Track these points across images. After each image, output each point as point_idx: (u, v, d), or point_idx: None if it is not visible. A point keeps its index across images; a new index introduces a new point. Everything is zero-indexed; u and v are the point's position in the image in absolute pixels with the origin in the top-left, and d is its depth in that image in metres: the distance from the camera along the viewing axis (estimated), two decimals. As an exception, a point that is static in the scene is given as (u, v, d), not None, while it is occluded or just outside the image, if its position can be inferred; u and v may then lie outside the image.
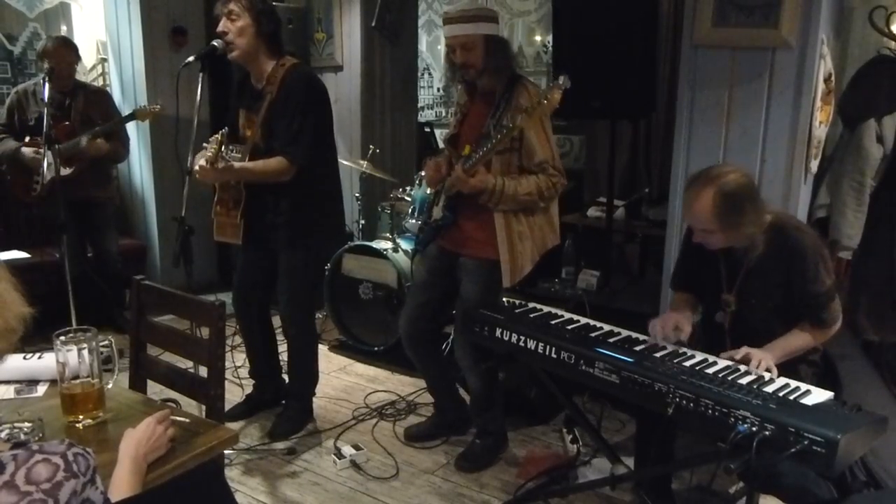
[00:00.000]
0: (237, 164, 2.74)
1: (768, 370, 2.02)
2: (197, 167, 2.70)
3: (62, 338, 1.64)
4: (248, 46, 2.75)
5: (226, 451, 2.58)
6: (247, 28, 2.73)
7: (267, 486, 2.79)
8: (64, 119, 3.80)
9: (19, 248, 4.07)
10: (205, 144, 2.74)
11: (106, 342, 1.80)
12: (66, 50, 3.79)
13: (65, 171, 3.61)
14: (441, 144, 5.71)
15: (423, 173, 2.90)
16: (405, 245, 3.90)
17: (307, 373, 3.22)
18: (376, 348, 3.97)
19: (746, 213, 2.08)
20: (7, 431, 1.53)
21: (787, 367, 2.12)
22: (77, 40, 4.81)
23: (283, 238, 2.93)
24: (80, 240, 4.02)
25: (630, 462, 2.50)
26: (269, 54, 2.82)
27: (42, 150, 3.47)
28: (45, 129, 3.34)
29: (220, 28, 2.74)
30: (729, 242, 2.16)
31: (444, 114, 6.73)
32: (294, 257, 2.97)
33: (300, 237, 2.93)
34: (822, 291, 2.15)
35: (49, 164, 3.48)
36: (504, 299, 2.67)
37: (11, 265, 1.34)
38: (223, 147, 2.66)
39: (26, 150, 3.78)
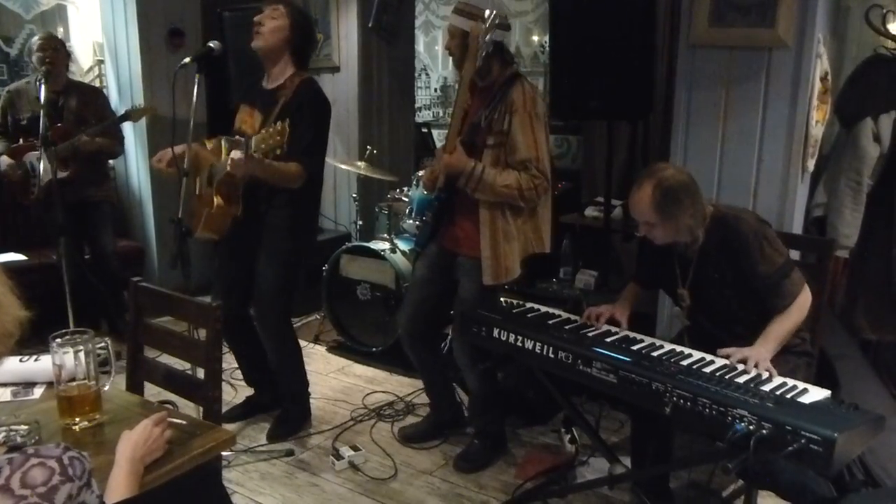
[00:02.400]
0: (266, 160, 2.67)
1: (767, 371, 2.02)
2: (234, 158, 2.68)
3: (58, 340, 1.63)
4: (273, 45, 2.80)
5: (224, 453, 2.58)
6: (281, 30, 2.79)
7: (265, 487, 2.78)
8: (57, 120, 3.73)
9: (16, 251, 4.05)
10: (222, 142, 2.75)
11: (102, 344, 1.80)
12: (54, 46, 3.72)
13: (61, 174, 3.59)
14: (439, 144, 5.70)
15: (420, 173, 2.90)
16: (403, 246, 3.89)
17: (295, 380, 3.21)
18: (374, 349, 3.97)
19: (684, 207, 2.17)
20: (3, 434, 1.53)
21: (775, 359, 2.13)
22: (73, 42, 4.82)
23: (263, 242, 2.92)
24: (78, 242, 3.95)
25: (628, 462, 2.50)
26: (291, 63, 2.86)
27: (39, 152, 3.45)
28: (41, 132, 3.33)
29: (257, 18, 2.80)
30: (670, 235, 2.23)
31: (441, 114, 6.72)
32: (271, 264, 2.94)
33: (278, 244, 2.91)
34: (773, 271, 2.18)
35: (46, 167, 3.45)
36: (502, 299, 2.67)
37: (8, 268, 1.34)
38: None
39: (3, 160, 3.76)
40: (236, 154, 2.68)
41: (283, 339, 3.10)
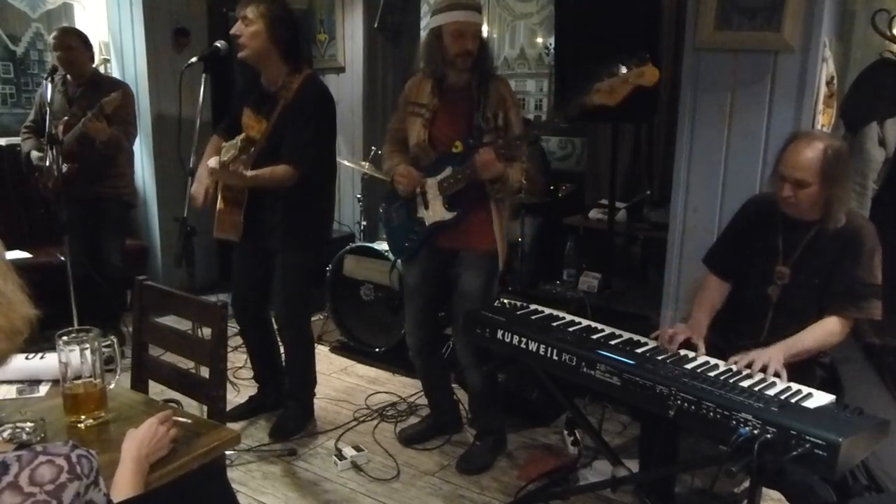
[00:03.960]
0: (249, 173, 2.76)
1: (776, 375, 2.02)
2: (210, 165, 2.74)
3: (64, 338, 1.64)
4: (258, 50, 2.76)
5: (227, 452, 2.58)
6: (259, 34, 2.74)
7: (268, 486, 2.79)
8: (66, 114, 3.65)
9: (21, 249, 4.04)
10: (223, 145, 2.77)
11: (108, 342, 1.80)
12: (67, 45, 3.66)
13: (65, 168, 3.56)
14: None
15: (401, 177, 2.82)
16: (407, 246, 3.89)
17: (305, 375, 3.22)
18: (377, 349, 3.97)
19: (844, 176, 2.17)
20: (9, 431, 1.54)
21: (804, 368, 2.13)
22: (79, 41, 4.81)
23: (280, 239, 2.94)
24: (84, 240, 3.84)
25: (631, 464, 2.50)
26: (284, 60, 2.82)
27: (45, 153, 3.45)
28: (47, 129, 3.33)
29: (233, 31, 2.77)
30: (814, 203, 2.18)
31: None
32: (290, 258, 2.98)
33: (296, 239, 2.94)
34: (868, 282, 2.18)
35: (52, 163, 3.44)
36: (505, 301, 2.67)
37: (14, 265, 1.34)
38: (244, 151, 2.71)
39: (34, 154, 3.74)
40: (212, 162, 2.75)
41: (300, 335, 3.14)
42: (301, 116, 2.79)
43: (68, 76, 3.69)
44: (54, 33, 3.75)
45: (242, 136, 2.74)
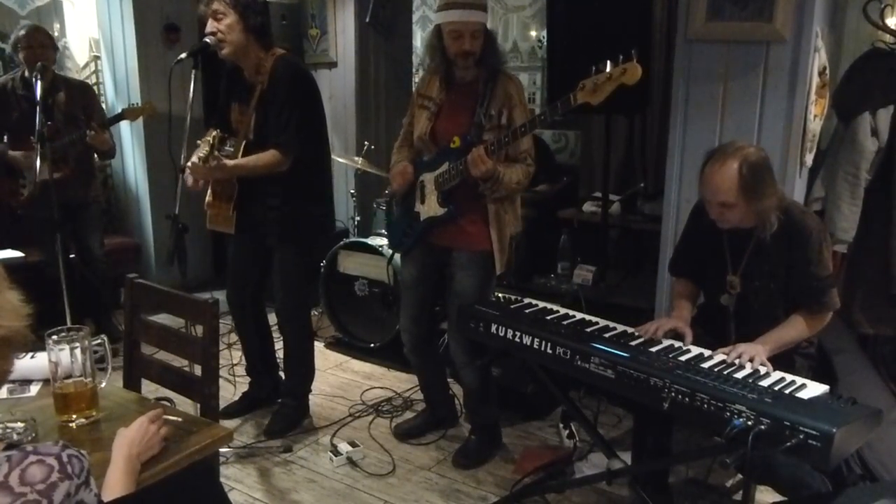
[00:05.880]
0: (230, 162, 2.74)
1: (763, 366, 2.02)
2: (189, 164, 2.71)
3: (54, 337, 1.63)
4: (238, 42, 2.74)
5: (222, 450, 2.58)
6: (234, 25, 2.71)
7: (263, 483, 2.78)
8: (47, 117, 3.51)
9: (12, 248, 4.00)
10: (198, 142, 2.75)
11: (99, 341, 1.79)
12: (41, 42, 3.59)
13: (55, 175, 3.52)
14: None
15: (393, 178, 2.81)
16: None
17: (304, 369, 3.22)
18: (372, 345, 3.97)
19: (767, 186, 2.12)
20: (0, 432, 1.53)
21: (783, 359, 2.13)
22: (69, 38, 4.79)
23: (276, 233, 2.93)
24: (64, 241, 3.71)
25: (626, 457, 2.50)
26: (260, 47, 2.81)
27: (35, 151, 3.37)
28: (38, 128, 3.27)
29: (208, 29, 2.74)
30: (746, 217, 2.16)
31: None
32: (287, 252, 2.97)
33: (292, 232, 2.93)
34: (825, 275, 2.17)
35: (40, 165, 3.36)
36: (499, 295, 2.66)
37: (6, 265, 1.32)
38: (216, 147, 2.68)
39: (14, 153, 3.62)
40: (193, 158, 2.73)
41: (300, 328, 3.14)
42: (277, 98, 2.76)
43: (26, 74, 3.62)
44: (25, 30, 3.62)
45: (215, 132, 2.72)
